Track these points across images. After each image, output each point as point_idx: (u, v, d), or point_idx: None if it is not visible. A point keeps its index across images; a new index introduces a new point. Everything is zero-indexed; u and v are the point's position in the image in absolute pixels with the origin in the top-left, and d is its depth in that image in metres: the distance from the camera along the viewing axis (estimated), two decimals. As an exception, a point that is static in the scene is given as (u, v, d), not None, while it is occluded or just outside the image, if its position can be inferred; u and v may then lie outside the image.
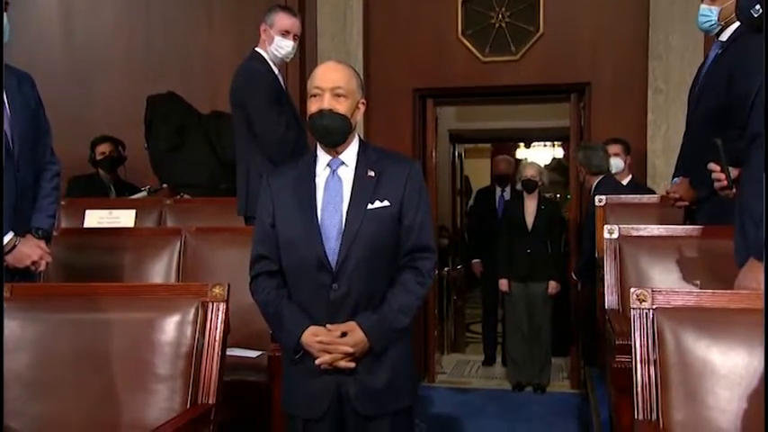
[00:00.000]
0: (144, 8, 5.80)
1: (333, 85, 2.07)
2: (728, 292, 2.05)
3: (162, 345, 2.04)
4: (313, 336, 2.02)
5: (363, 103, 2.18)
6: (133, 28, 5.81)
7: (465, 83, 5.49)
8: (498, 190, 6.48)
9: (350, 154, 2.15)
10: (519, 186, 5.59)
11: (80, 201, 4.53)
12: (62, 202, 4.49)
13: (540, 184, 5.49)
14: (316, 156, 2.17)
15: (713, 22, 3.01)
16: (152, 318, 2.11)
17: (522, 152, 10.58)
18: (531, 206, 5.46)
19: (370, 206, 2.06)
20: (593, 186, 4.54)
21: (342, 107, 2.08)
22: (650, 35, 5.00)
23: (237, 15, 5.35)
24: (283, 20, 3.59)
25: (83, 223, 4.24)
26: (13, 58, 2.70)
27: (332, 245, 2.05)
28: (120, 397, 2.02)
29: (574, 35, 5.22)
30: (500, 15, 5.37)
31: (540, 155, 10.34)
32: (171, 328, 2.08)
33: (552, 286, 5.44)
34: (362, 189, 2.09)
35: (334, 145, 2.12)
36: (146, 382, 2.02)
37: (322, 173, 2.14)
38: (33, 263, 2.71)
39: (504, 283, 5.50)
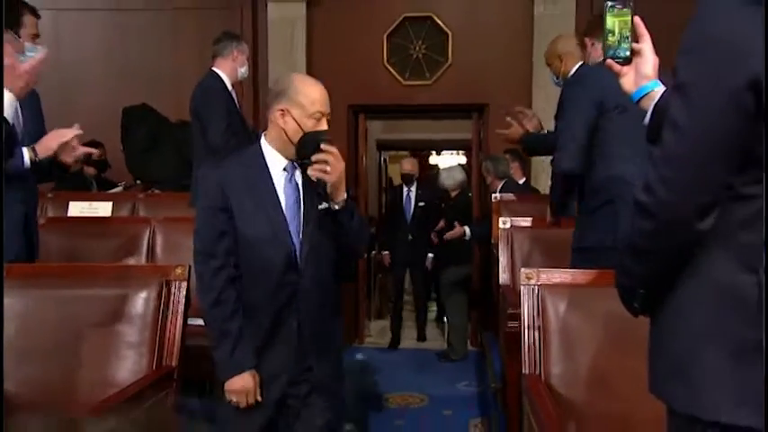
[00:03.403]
0: (120, 34, 5.58)
1: (328, 110, 1.90)
2: (596, 271, 2.08)
3: (132, 316, 1.96)
4: (246, 384, 1.77)
5: None
6: (112, 50, 5.58)
7: (389, 101, 5.46)
8: (405, 189, 5.78)
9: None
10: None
11: (65, 194, 4.31)
12: (49, 195, 4.30)
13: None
14: (263, 156, 1.89)
15: (557, 80, 3.21)
16: (124, 293, 2.01)
17: (434, 159, 10.67)
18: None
19: (319, 207, 1.86)
20: (499, 188, 4.65)
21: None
22: (534, 68, 5.07)
23: (199, 41, 5.14)
24: None
25: (67, 213, 4.05)
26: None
27: (296, 244, 1.85)
28: (96, 360, 1.93)
29: (475, 66, 5.25)
30: (417, 48, 5.36)
31: (448, 160, 10.44)
32: (139, 302, 1.99)
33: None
34: (311, 191, 1.89)
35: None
36: (117, 348, 1.94)
37: (279, 176, 1.88)
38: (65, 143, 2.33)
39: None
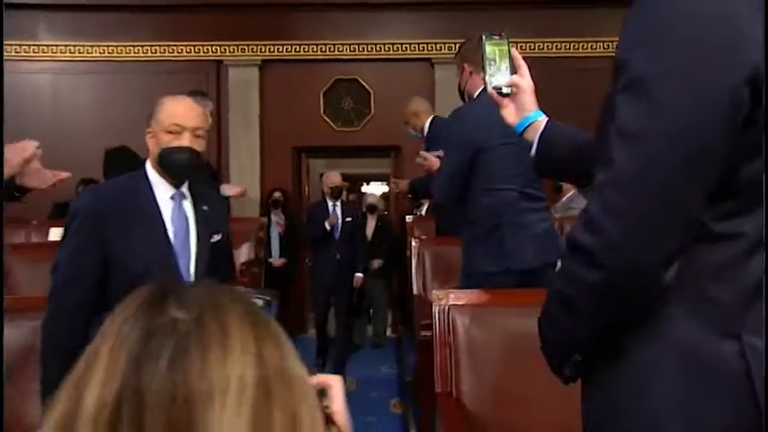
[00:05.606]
0: (111, 91, 4.83)
1: (194, 125, 1.28)
2: (499, 291, 1.61)
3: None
4: None
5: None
6: (102, 101, 4.82)
7: (326, 143, 4.92)
8: (330, 203, 3.96)
9: (185, 186, 1.34)
10: (364, 209, 4.76)
11: (50, 222, 3.58)
12: (34, 222, 3.58)
13: (378, 208, 4.79)
14: (150, 185, 1.28)
15: (414, 133, 2.93)
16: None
17: (365, 188, 10.23)
18: (371, 224, 4.73)
19: (211, 240, 1.31)
20: (426, 207, 3.99)
21: (199, 146, 1.30)
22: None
23: (169, 91, 4.49)
24: None
25: (47, 237, 3.32)
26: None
27: (184, 277, 1.25)
28: None
29: (392, 116, 4.72)
30: (347, 102, 4.86)
31: (374, 189, 10.02)
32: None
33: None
34: (204, 223, 1.32)
35: (185, 181, 1.33)
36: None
37: (167, 204, 1.29)
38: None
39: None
